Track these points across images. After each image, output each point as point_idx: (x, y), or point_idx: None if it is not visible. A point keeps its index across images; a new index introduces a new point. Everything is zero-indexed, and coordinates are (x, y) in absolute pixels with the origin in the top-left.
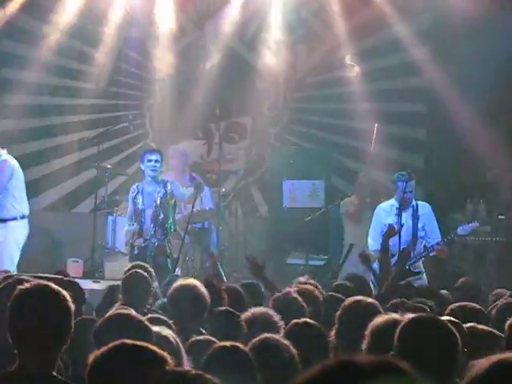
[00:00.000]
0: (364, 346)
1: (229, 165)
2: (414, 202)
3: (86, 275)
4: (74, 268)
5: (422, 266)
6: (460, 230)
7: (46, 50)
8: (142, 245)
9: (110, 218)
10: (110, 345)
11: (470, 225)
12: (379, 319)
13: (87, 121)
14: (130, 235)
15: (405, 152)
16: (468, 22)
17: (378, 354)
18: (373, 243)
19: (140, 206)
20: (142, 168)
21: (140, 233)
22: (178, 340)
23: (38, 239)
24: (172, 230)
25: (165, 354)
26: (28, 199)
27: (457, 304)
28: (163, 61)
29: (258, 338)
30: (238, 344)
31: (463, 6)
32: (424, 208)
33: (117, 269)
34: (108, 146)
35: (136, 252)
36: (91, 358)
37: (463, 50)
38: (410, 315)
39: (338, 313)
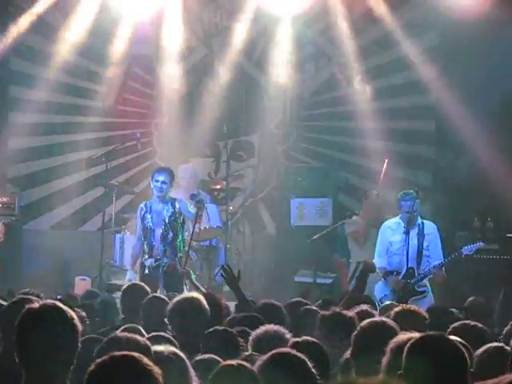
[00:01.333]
0: (384, 362)
1: (236, 182)
2: (419, 221)
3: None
4: (81, 285)
5: (428, 284)
6: (464, 250)
7: (54, 68)
8: (154, 264)
9: (118, 236)
10: (106, 357)
11: (475, 245)
12: (401, 337)
13: (95, 139)
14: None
15: (412, 170)
16: (475, 38)
17: (396, 371)
18: (378, 260)
19: (149, 225)
20: (152, 186)
21: (150, 252)
22: (184, 357)
23: (46, 257)
24: (181, 249)
25: (157, 368)
26: (36, 217)
27: (459, 323)
28: (171, 79)
29: (269, 354)
30: (243, 362)
31: (469, 22)
32: (429, 228)
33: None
34: (116, 164)
35: (147, 272)
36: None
37: (471, 67)
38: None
39: (355, 333)
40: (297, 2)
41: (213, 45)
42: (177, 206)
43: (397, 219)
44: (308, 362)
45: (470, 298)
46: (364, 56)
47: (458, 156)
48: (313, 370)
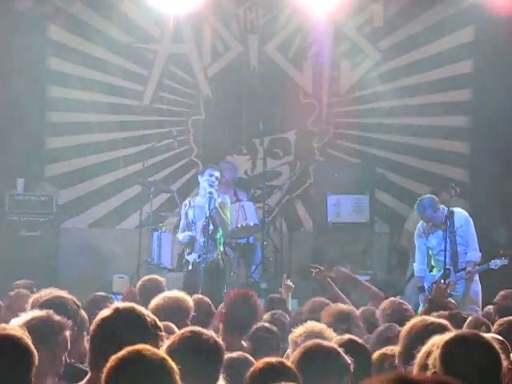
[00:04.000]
0: (430, 361)
1: (273, 180)
2: (446, 213)
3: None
4: (119, 284)
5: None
6: (491, 264)
7: (91, 67)
8: (197, 260)
9: (156, 233)
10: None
11: (502, 260)
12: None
13: (132, 137)
14: (181, 247)
15: (448, 166)
16: (510, 34)
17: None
18: (417, 268)
19: (191, 219)
20: (200, 181)
21: (192, 246)
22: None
23: (84, 256)
24: (221, 242)
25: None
26: (74, 216)
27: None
28: (207, 77)
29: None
30: (282, 359)
31: (504, 20)
32: (460, 219)
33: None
34: (153, 162)
35: (190, 268)
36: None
37: (507, 62)
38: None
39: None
40: None
41: (249, 42)
42: (219, 200)
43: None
44: (341, 352)
45: (501, 292)
46: (400, 52)
47: (495, 152)
48: (347, 359)
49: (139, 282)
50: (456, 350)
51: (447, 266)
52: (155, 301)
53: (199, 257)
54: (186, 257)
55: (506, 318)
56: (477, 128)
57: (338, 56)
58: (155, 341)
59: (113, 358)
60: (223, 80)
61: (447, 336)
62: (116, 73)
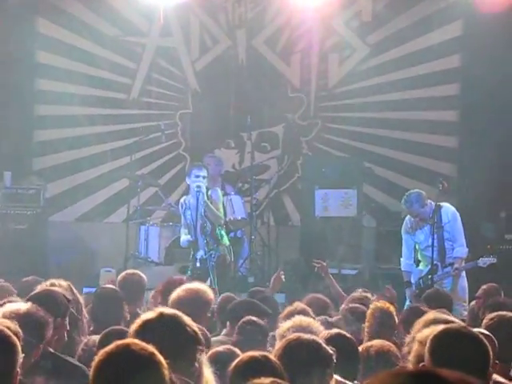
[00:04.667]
0: (412, 354)
1: (261, 174)
2: (433, 208)
3: None
4: (107, 277)
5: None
6: (479, 262)
7: (79, 60)
8: (204, 257)
9: (143, 227)
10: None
11: (490, 259)
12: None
13: (120, 131)
14: (169, 241)
15: (436, 160)
16: (498, 28)
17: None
18: (404, 262)
19: (190, 221)
20: (188, 182)
21: (196, 246)
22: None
23: (72, 249)
24: (223, 236)
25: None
26: (61, 209)
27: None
28: (195, 70)
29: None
30: (267, 354)
31: (493, 14)
32: (447, 214)
33: (150, 278)
34: (140, 155)
35: (198, 265)
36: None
37: (495, 56)
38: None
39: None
40: None
41: (237, 36)
42: (208, 193)
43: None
44: (322, 344)
45: (483, 286)
46: (388, 47)
47: (482, 147)
48: (329, 350)
49: (121, 275)
50: (444, 343)
51: (435, 262)
52: (176, 292)
53: (205, 253)
54: (193, 254)
55: (494, 313)
56: (465, 122)
57: (326, 50)
58: (193, 353)
59: (101, 352)
60: (211, 74)
61: (435, 330)
62: (104, 66)
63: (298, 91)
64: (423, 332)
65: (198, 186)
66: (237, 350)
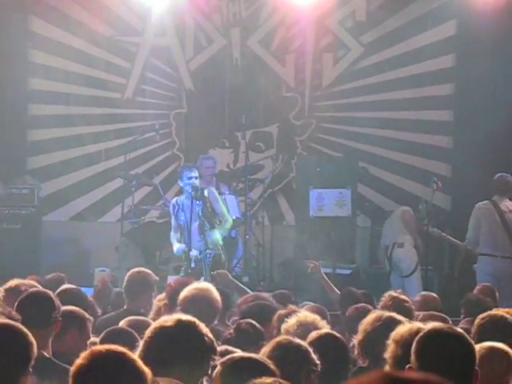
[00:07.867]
0: (388, 354)
1: (255, 173)
2: None
3: (113, 284)
4: (101, 277)
5: None
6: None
7: (73, 60)
8: (199, 257)
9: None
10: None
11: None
12: (403, 328)
13: (114, 130)
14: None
15: (431, 160)
16: (492, 28)
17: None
18: None
19: (183, 223)
20: (181, 185)
21: (190, 246)
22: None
23: (66, 249)
24: (219, 237)
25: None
26: (55, 209)
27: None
28: (189, 70)
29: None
30: (258, 356)
31: (487, 14)
32: None
33: None
34: (135, 155)
35: (193, 265)
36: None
37: (490, 56)
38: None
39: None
40: None
41: (231, 35)
42: (205, 194)
43: None
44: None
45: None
46: (382, 46)
47: (476, 146)
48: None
49: (128, 273)
50: (430, 343)
51: None
52: (185, 291)
53: (200, 253)
54: (188, 254)
55: (486, 313)
56: (459, 122)
57: (320, 49)
58: (208, 362)
59: (82, 356)
60: (206, 73)
61: (412, 329)
62: (98, 65)
63: (293, 91)
64: (398, 331)
65: (196, 187)
66: (234, 350)
